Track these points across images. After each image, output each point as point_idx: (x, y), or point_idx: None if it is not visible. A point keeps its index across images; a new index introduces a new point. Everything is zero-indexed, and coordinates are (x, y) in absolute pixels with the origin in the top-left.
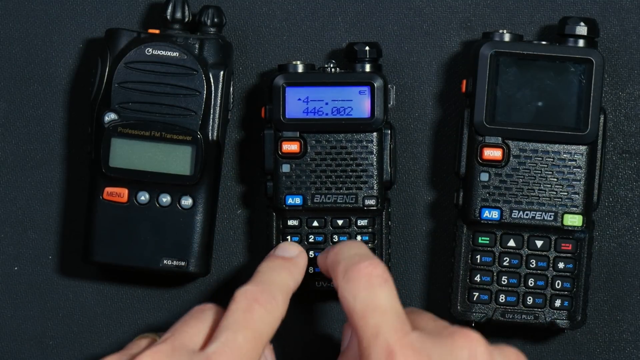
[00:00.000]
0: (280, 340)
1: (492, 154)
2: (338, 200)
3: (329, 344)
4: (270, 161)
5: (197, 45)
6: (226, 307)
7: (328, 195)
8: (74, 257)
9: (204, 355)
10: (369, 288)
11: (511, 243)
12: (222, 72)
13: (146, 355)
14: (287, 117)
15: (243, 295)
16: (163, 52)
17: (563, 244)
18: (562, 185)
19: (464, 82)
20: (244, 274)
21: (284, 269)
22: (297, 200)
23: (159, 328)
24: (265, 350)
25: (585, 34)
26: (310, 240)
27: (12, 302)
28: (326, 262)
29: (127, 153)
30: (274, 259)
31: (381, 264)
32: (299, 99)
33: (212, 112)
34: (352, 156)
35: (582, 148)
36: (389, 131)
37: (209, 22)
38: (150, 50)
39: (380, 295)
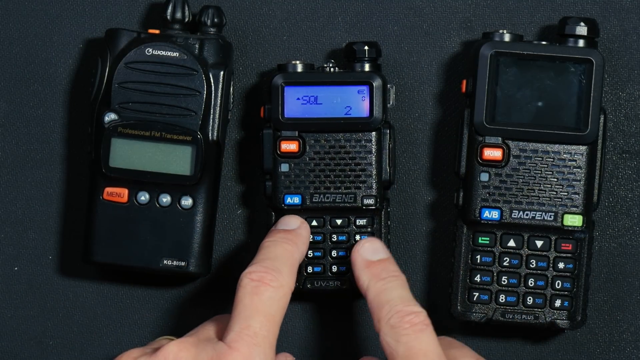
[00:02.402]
0: (280, 340)
1: (492, 154)
2: (337, 200)
3: (329, 343)
4: (269, 161)
5: (197, 45)
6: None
7: (327, 195)
8: (74, 257)
9: (225, 345)
10: (411, 334)
11: (511, 243)
12: (222, 72)
13: (173, 344)
14: (285, 116)
15: (248, 278)
16: (163, 52)
17: (563, 244)
18: (562, 186)
19: (464, 82)
20: None
21: (287, 240)
22: (296, 200)
23: (164, 329)
24: None
25: (585, 34)
26: (310, 240)
27: (12, 302)
28: (362, 285)
29: (127, 153)
30: (276, 233)
31: (423, 312)
32: (298, 99)
33: (212, 112)
34: (350, 155)
35: (582, 148)
36: (388, 131)
37: (209, 22)
38: (150, 50)
39: (423, 340)
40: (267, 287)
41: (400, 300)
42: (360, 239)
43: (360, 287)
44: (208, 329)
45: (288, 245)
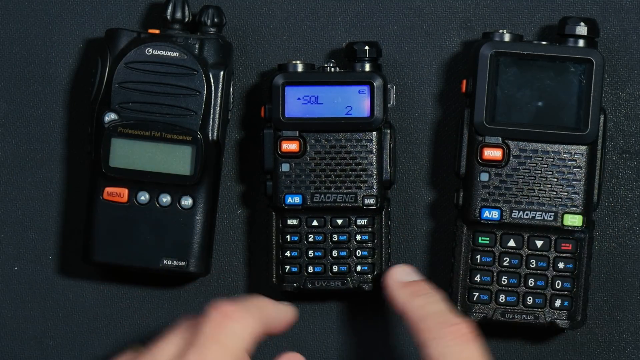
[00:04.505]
0: (280, 339)
1: (492, 154)
2: (337, 200)
3: (329, 343)
4: (269, 160)
5: (197, 45)
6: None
7: (327, 195)
8: (74, 257)
9: None
10: (461, 344)
11: (511, 243)
12: (222, 72)
13: None
14: (286, 116)
15: (215, 309)
16: (163, 52)
17: (563, 244)
18: (562, 185)
19: (464, 82)
20: (244, 274)
21: (267, 301)
22: (297, 200)
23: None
24: None
25: (585, 34)
26: (310, 239)
27: (12, 302)
28: (399, 303)
29: (127, 153)
30: (217, 314)
31: (469, 322)
32: (299, 98)
33: (212, 112)
34: (351, 155)
35: (582, 148)
36: (389, 130)
37: (209, 22)
38: (150, 50)
39: (474, 350)
40: (233, 322)
41: (444, 312)
42: (361, 238)
43: (397, 305)
44: (164, 347)
45: (267, 302)
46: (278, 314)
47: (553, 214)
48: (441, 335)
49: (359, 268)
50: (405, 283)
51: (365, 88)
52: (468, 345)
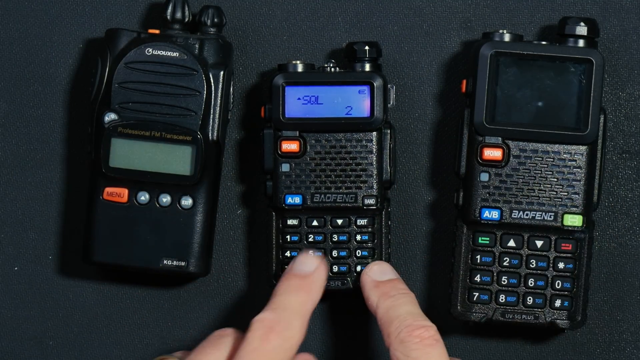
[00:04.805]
0: None
1: (492, 154)
2: (338, 200)
3: (329, 343)
4: (269, 161)
5: (197, 45)
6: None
7: (328, 195)
8: (74, 257)
9: None
10: (421, 348)
11: (511, 243)
12: (222, 72)
13: None
14: (286, 116)
15: (259, 324)
16: (163, 52)
17: (563, 244)
18: (562, 186)
19: (464, 82)
20: (244, 274)
21: (302, 289)
22: (297, 200)
23: (163, 329)
24: None
25: (585, 34)
26: (310, 239)
27: (12, 302)
28: (371, 304)
29: (127, 153)
30: (291, 279)
31: (433, 326)
32: (299, 99)
33: (212, 112)
34: (351, 155)
35: (582, 148)
36: (389, 130)
37: (209, 22)
38: (150, 50)
39: (433, 355)
40: (277, 337)
41: (410, 316)
42: (361, 238)
43: (370, 306)
44: (208, 358)
45: (302, 295)
46: (315, 298)
47: (553, 214)
48: (405, 338)
49: (359, 268)
50: (378, 282)
51: (366, 88)
52: (429, 350)
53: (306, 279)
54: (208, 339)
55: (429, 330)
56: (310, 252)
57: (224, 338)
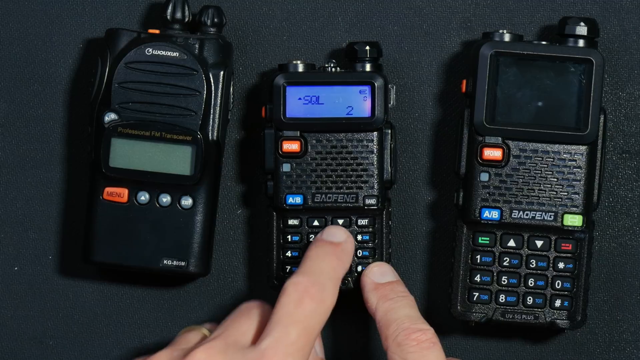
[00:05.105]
0: None
1: (492, 154)
2: (339, 200)
3: (329, 344)
4: (270, 161)
5: (197, 45)
6: (273, 303)
7: (329, 195)
8: (74, 257)
9: (258, 352)
10: (418, 351)
11: (511, 243)
12: (222, 72)
13: (200, 351)
14: (287, 116)
15: (293, 288)
16: (163, 52)
17: (563, 244)
18: (562, 185)
19: (464, 82)
20: (244, 274)
21: (333, 255)
22: (298, 200)
23: (163, 329)
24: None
25: (585, 34)
26: (311, 239)
27: (12, 302)
28: (370, 306)
29: (127, 153)
30: (322, 245)
31: (430, 330)
32: (300, 99)
33: (212, 112)
34: (352, 155)
35: (582, 148)
36: (390, 131)
37: (209, 22)
38: (150, 50)
39: (430, 358)
40: (312, 301)
41: (408, 319)
42: (362, 238)
43: (369, 308)
44: (241, 328)
45: (334, 260)
46: (346, 265)
47: (553, 214)
48: (403, 341)
49: (359, 268)
50: (377, 285)
51: (367, 88)
52: (426, 353)
53: (337, 246)
54: (237, 310)
55: (426, 334)
56: (338, 226)
57: (253, 309)
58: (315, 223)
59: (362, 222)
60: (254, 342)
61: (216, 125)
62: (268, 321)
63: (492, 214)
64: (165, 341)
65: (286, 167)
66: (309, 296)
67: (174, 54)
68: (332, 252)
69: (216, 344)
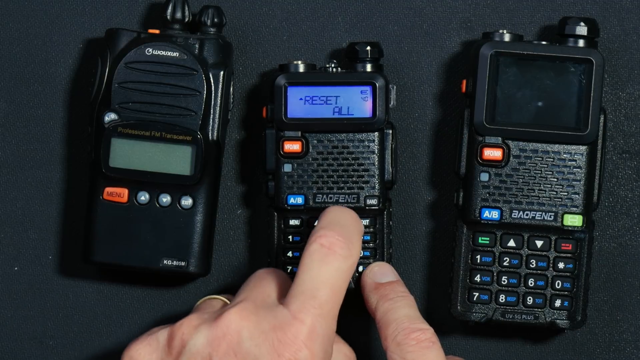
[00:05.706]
0: None
1: (492, 154)
2: (340, 200)
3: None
4: (271, 161)
5: (197, 45)
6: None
7: (330, 195)
8: (74, 257)
9: (288, 313)
10: (417, 351)
11: (511, 243)
12: (222, 72)
13: (233, 312)
14: (288, 116)
15: (319, 243)
16: (163, 52)
17: (563, 244)
18: (562, 185)
19: (464, 82)
20: (244, 274)
21: (352, 213)
22: (299, 200)
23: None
24: None
25: (585, 34)
26: None
27: (12, 302)
28: (370, 306)
29: (127, 153)
30: (339, 207)
31: (429, 329)
32: (301, 99)
33: (212, 112)
34: (353, 156)
35: (582, 148)
36: (391, 131)
37: (209, 22)
38: (150, 50)
39: (429, 357)
40: (338, 257)
41: (407, 318)
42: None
43: (369, 308)
44: (264, 291)
45: (355, 215)
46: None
47: (553, 214)
48: (402, 341)
49: (360, 268)
50: (377, 284)
51: (368, 89)
52: (426, 352)
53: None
54: (252, 278)
55: (426, 333)
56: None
57: (269, 275)
58: (317, 223)
59: (363, 222)
60: (280, 304)
61: (216, 125)
62: (294, 281)
63: (492, 214)
64: None
65: (287, 168)
66: (334, 253)
67: (174, 54)
68: (350, 211)
69: (246, 305)
